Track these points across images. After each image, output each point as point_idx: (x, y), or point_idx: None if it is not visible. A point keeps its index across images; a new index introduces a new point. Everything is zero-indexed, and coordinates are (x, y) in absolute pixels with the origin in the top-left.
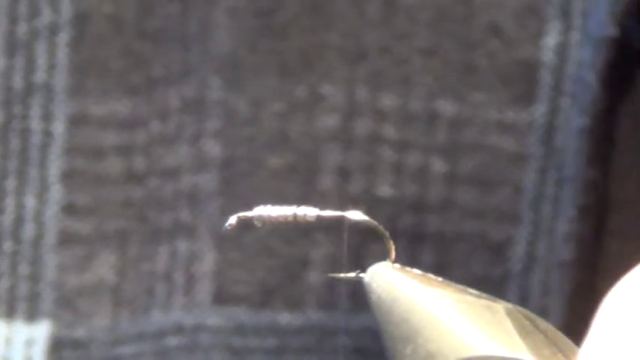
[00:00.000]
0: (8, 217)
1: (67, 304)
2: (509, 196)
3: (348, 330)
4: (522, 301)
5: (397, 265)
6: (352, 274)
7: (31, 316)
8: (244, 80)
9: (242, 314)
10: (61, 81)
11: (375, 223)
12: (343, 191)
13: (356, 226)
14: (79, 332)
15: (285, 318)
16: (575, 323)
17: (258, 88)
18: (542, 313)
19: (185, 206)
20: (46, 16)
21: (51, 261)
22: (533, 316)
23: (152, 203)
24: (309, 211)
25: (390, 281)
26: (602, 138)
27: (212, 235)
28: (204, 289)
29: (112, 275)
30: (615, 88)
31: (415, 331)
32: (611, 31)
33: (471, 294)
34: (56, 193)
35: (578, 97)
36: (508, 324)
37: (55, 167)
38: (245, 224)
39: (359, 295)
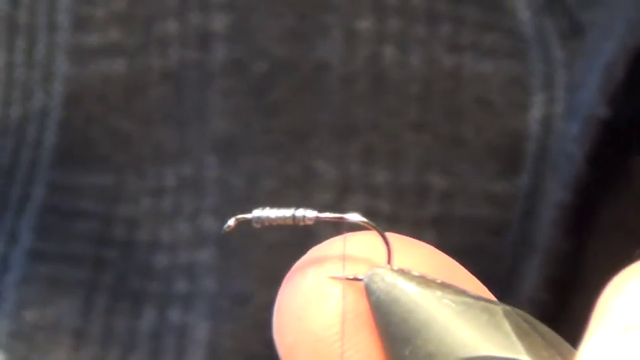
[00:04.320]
0: None
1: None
2: (490, 265)
3: None
4: None
5: (396, 267)
6: (351, 277)
7: None
8: (239, 158)
9: None
10: (45, 163)
11: (373, 224)
12: None
13: (355, 227)
14: None
15: None
16: None
17: (253, 166)
18: None
19: (182, 278)
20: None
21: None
22: (531, 318)
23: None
24: (308, 213)
25: (389, 283)
26: (583, 213)
27: (208, 307)
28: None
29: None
30: (608, 167)
31: (414, 333)
32: (600, 109)
33: (469, 296)
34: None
35: (561, 170)
36: (506, 325)
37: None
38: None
39: None
